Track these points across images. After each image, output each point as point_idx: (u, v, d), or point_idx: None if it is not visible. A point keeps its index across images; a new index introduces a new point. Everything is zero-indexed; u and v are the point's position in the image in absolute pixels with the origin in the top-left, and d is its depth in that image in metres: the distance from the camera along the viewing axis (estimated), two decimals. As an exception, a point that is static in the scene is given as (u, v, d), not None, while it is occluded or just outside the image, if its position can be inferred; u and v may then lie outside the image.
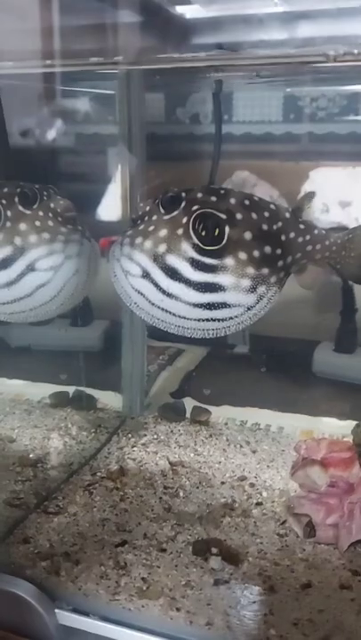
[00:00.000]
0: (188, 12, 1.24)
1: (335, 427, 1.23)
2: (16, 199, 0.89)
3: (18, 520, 0.94)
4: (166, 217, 0.82)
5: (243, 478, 1.06)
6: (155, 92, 1.74)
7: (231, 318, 0.82)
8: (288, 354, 1.56)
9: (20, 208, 0.89)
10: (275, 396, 1.39)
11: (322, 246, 0.83)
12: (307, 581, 0.83)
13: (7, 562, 0.87)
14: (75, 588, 0.83)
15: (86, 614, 0.82)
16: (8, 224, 0.88)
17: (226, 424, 1.26)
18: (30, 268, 0.88)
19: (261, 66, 1.02)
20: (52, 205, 0.90)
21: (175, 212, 0.81)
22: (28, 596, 0.83)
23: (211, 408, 1.30)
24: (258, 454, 1.14)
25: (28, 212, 0.89)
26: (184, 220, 0.80)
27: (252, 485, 1.04)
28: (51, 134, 1.55)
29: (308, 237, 0.83)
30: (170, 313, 0.82)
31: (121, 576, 0.84)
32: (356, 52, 0.72)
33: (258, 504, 0.99)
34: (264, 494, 1.02)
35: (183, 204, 0.81)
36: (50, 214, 0.89)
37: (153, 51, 1.15)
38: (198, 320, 0.82)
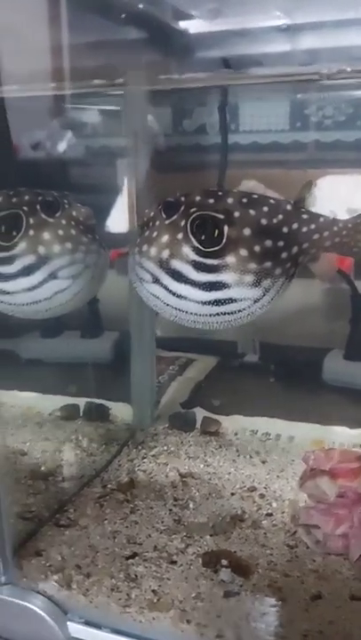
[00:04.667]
0: (191, 27, 1.25)
1: (346, 435, 1.23)
2: (38, 207, 0.90)
3: (30, 533, 0.95)
4: (167, 222, 0.84)
5: (253, 489, 1.06)
6: (163, 105, 1.76)
7: (240, 311, 0.84)
8: (298, 362, 1.56)
9: (43, 216, 0.90)
10: (285, 404, 1.40)
11: (330, 233, 0.83)
12: (317, 592, 0.83)
13: (20, 575, 0.88)
14: (86, 600, 0.84)
15: (98, 627, 0.83)
16: (31, 232, 0.89)
17: (236, 434, 1.26)
18: (52, 276, 0.90)
19: (258, 84, 1.03)
20: (73, 213, 0.91)
21: (175, 217, 0.83)
22: (41, 608, 0.85)
23: (221, 418, 1.31)
24: (268, 464, 1.14)
25: (50, 219, 0.90)
26: (182, 223, 0.83)
27: (261, 496, 1.04)
28: (59, 147, 1.57)
29: (312, 226, 0.83)
30: (183, 311, 0.86)
31: (131, 588, 0.85)
32: (349, 69, 0.73)
33: (268, 515, 1.00)
34: (274, 505, 1.02)
35: (182, 208, 0.83)
36: (72, 222, 0.90)
37: (157, 66, 1.17)
38: (209, 315, 0.85)
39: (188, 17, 1.17)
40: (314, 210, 1.47)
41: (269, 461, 1.15)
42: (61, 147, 1.59)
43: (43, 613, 0.84)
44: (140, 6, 1.13)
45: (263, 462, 1.15)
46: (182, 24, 1.23)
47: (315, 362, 1.53)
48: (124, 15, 1.10)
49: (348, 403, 1.41)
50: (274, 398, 1.45)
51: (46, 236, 0.89)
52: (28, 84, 1.00)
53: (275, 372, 1.57)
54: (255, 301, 0.84)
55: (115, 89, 1.12)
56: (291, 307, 1.59)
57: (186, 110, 1.78)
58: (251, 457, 1.17)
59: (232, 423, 1.30)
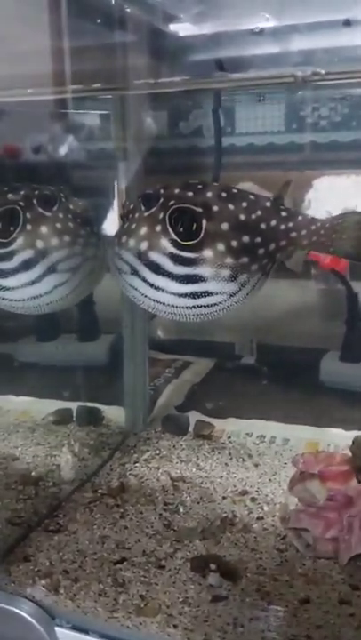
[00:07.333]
0: (180, 30, 1.25)
1: (341, 437, 1.22)
2: (34, 201, 0.91)
3: (19, 538, 0.95)
4: (146, 214, 0.84)
5: (244, 493, 1.06)
6: (158, 108, 1.76)
7: (216, 304, 0.85)
8: (295, 364, 1.56)
9: (40, 210, 0.90)
10: (281, 406, 1.39)
11: (308, 232, 0.84)
12: (305, 597, 0.83)
13: (7, 580, 0.88)
14: (74, 605, 0.84)
15: (85, 632, 0.83)
16: (29, 226, 0.90)
17: (229, 437, 1.25)
18: (52, 270, 0.91)
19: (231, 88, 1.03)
20: (70, 207, 0.91)
21: (154, 209, 0.84)
22: (28, 613, 0.84)
23: (216, 421, 1.30)
24: (260, 468, 1.13)
25: (48, 213, 0.90)
26: (161, 215, 0.83)
27: (253, 500, 1.04)
28: (55, 152, 1.58)
29: (290, 224, 0.83)
30: (160, 303, 0.86)
31: (119, 593, 0.84)
32: (323, 72, 0.72)
33: (258, 519, 0.99)
34: (265, 508, 1.01)
35: (161, 201, 0.84)
36: (69, 215, 0.91)
37: (148, 69, 1.17)
38: (185, 307, 0.86)
39: (174, 19, 1.17)
40: (309, 210, 1.46)
41: (262, 464, 1.15)
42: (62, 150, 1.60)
43: (30, 618, 0.84)
44: (128, 9, 1.13)
45: (256, 465, 1.14)
46: (172, 27, 1.23)
47: (312, 363, 1.52)
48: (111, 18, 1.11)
49: (344, 404, 1.40)
50: (270, 400, 1.44)
51: (44, 229, 0.89)
52: (15, 89, 1.00)
53: (271, 374, 1.56)
54: (231, 295, 0.84)
55: (103, 93, 1.12)
56: (287, 308, 1.59)
57: (181, 112, 1.78)
58: (243, 460, 1.16)
59: (227, 426, 1.29)
